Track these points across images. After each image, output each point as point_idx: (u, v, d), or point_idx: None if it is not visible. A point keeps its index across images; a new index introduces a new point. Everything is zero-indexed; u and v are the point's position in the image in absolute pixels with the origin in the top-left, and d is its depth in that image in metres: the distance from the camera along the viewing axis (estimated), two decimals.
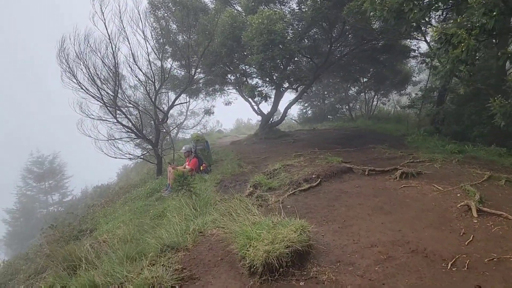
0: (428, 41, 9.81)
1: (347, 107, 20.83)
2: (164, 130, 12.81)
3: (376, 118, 17.73)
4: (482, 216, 4.33)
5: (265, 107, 19.96)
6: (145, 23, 10.44)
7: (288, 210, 5.15)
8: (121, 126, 10.97)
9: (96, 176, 25.77)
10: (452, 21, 6.13)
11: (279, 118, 16.40)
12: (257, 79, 15.13)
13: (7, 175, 34.70)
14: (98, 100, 10.15)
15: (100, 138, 10.51)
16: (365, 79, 18.10)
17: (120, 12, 9.82)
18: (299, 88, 14.71)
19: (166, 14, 12.76)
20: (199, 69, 14.11)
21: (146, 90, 11.33)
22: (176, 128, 21.66)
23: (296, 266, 3.36)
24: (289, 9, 12.81)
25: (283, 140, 13.58)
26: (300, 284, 3.17)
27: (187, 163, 9.17)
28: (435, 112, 12.27)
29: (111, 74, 10.18)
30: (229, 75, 14.95)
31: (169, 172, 8.59)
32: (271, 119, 16.12)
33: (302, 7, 12.06)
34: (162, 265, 3.60)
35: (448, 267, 3.24)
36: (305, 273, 3.31)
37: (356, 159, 8.45)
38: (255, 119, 25.41)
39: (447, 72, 6.79)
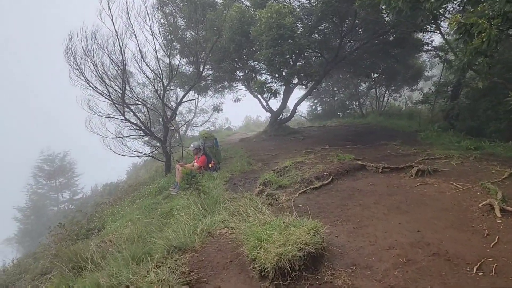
0: (443, 33, 9.48)
1: (357, 103, 20.48)
2: (173, 128, 12.68)
3: (387, 114, 17.38)
4: (506, 216, 4.08)
5: (274, 104, 19.84)
6: (152, 19, 10.36)
7: (300, 209, 4.96)
8: (129, 124, 10.89)
9: (106, 174, 25.94)
10: (472, 10, 5.80)
11: (289, 115, 16.15)
12: (266, 75, 14.92)
13: (17, 173, 35.09)
14: (106, 98, 10.08)
15: (109, 136, 10.48)
16: (376, 75, 17.74)
17: (127, 8, 9.75)
18: (308, 84, 14.48)
19: (174, 10, 12.63)
20: (208, 66, 13.97)
21: (154, 87, 11.23)
22: (185, 126, 21.58)
23: (310, 269, 3.17)
24: (298, 3, 12.54)
25: (292, 137, 13.38)
26: None
27: (195, 161, 9.03)
28: (449, 107, 11.93)
29: (118, 71, 10.09)
30: (237, 72, 14.79)
31: (178, 170, 8.47)
32: (281, 116, 15.93)
33: (312, 0, 11.80)
34: (169, 267, 3.43)
35: (474, 272, 3.01)
36: (319, 277, 3.11)
37: (368, 156, 8.21)
38: (264, 116, 25.29)
39: (464, 65, 6.49)
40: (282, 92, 14.48)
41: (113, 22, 9.48)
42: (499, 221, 3.99)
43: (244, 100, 18.27)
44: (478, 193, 5.00)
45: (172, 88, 14.07)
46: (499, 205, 4.22)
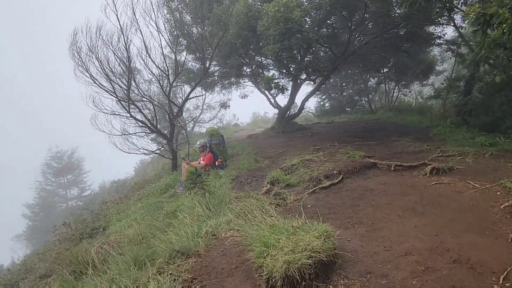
0: (457, 25, 9.12)
1: (366, 99, 20.09)
2: (179, 125, 12.53)
3: (397, 110, 16.99)
4: None
5: (282, 100, 19.60)
6: (158, 15, 10.18)
7: (309, 210, 4.74)
8: (135, 121, 10.76)
9: (114, 171, 26.01)
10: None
11: (296, 111, 15.87)
12: (273, 71, 14.70)
13: (25, 170, 35.45)
14: (111, 94, 9.96)
15: (114, 133, 10.37)
16: (385, 69, 17.37)
17: (132, 3, 9.60)
18: (316, 80, 14.18)
19: (180, 5, 12.43)
20: (214, 62, 13.79)
21: (160, 83, 11.07)
22: (192, 122, 21.47)
23: (321, 278, 2.94)
24: None
25: (300, 133, 13.12)
26: None
27: (202, 158, 8.86)
28: (462, 103, 11.56)
29: (123, 67, 9.95)
30: (244, 67, 14.53)
31: (183, 167, 8.31)
32: (288, 112, 15.66)
33: None
34: (170, 273, 3.24)
35: (500, 282, 2.75)
36: (331, 287, 2.89)
37: (379, 153, 7.93)
38: (272, 112, 25.09)
39: (481, 58, 6.18)
40: (289, 88, 14.22)
41: (118, 18, 9.34)
42: None
43: (251, 96, 18.17)
44: (498, 193, 4.71)
45: (178, 84, 13.90)
46: None
